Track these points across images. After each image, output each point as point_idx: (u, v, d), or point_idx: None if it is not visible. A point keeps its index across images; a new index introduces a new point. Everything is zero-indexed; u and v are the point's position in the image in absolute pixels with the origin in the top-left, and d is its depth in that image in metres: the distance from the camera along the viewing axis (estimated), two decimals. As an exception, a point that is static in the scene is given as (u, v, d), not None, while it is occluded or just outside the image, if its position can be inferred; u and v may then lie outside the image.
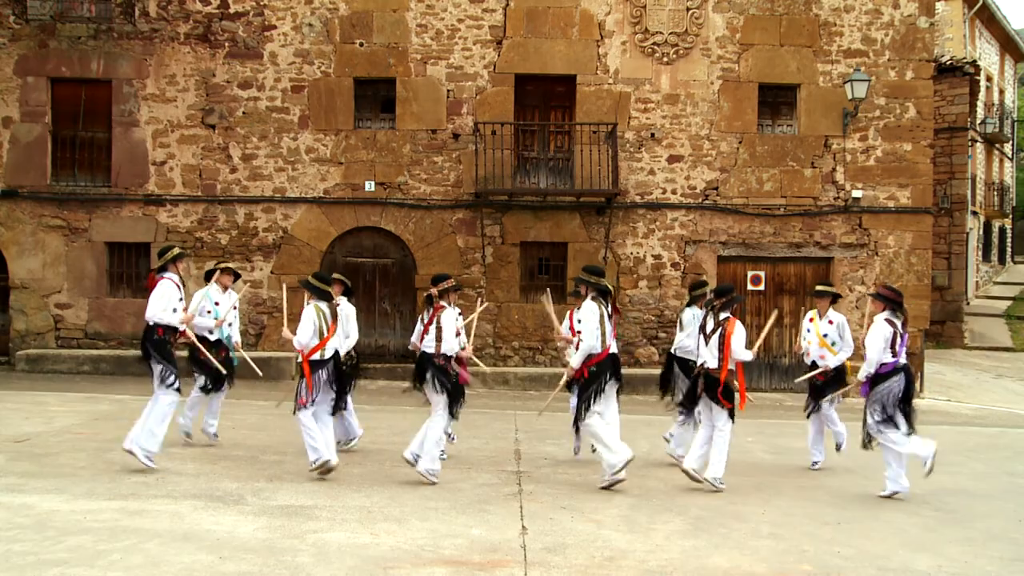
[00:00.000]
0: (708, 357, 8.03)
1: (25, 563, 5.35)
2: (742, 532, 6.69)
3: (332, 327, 7.94)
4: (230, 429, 9.97)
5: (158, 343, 8.11)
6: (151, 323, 8.16)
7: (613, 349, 8.13)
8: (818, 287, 9.82)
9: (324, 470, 7.83)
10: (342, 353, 8.66)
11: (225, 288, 9.55)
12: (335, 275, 9.27)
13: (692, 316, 9.25)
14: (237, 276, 9.95)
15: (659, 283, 15.96)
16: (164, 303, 8.19)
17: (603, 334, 7.92)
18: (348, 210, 15.87)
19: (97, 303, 15.83)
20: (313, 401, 7.87)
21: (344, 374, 8.40)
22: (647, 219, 15.96)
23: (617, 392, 8.30)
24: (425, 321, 8.14)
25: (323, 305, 7.99)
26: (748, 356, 8.04)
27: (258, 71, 15.82)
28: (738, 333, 8.01)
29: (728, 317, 8.06)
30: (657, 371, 15.23)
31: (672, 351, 9.62)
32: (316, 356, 7.87)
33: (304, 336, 7.78)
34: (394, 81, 15.84)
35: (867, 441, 8.16)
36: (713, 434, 8.05)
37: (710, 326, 8.08)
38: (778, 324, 16.14)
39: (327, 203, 15.83)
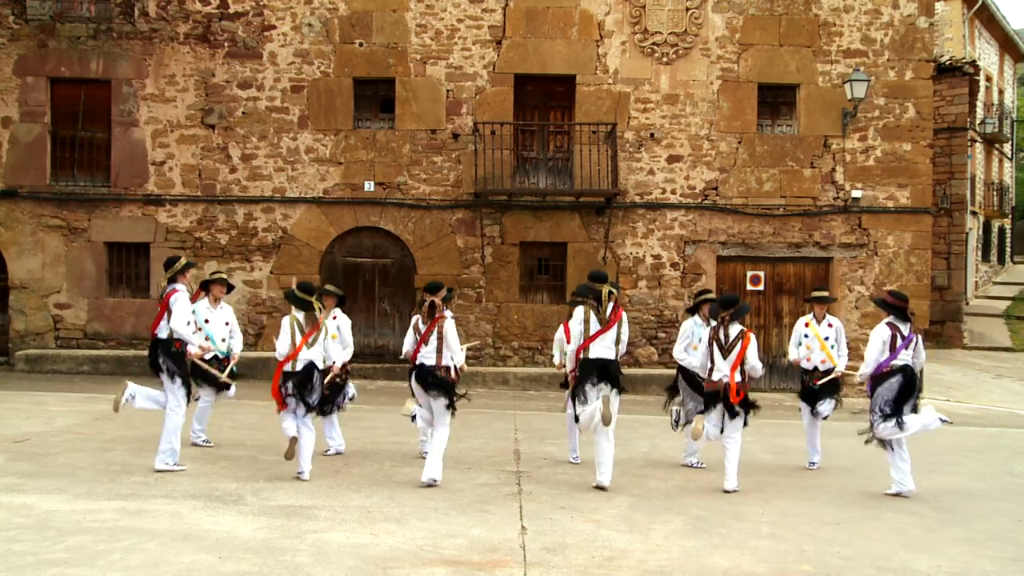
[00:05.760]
0: (727, 370, 8.00)
1: (25, 563, 5.35)
2: (742, 532, 6.69)
3: (304, 337, 7.86)
4: (230, 429, 9.97)
5: (176, 356, 7.99)
6: (173, 336, 7.94)
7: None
8: (816, 293, 9.84)
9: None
10: (338, 364, 8.74)
11: (216, 300, 9.22)
12: (327, 287, 9.23)
13: (693, 326, 9.02)
14: (231, 288, 9.60)
15: (659, 283, 15.96)
16: (187, 316, 8.01)
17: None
18: (348, 210, 15.87)
19: (97, 303, 15.82)
20: (286, 405, 7.86)
21: (329, 385, 8.54)
22: (646, 219, 15.96)
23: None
24: (423, 331, 7.90)
25: (300, 316, 7.93)
26: (760, 371, 8.17)
27: (258, 71, 15.81)
28: (752, 347, 8.05)
29: (743, 331, 8.08)
30: (656, 371, 15.43)
31: (679, 361, 9.15)
32: (288, 367, 7.84)
33: (281, 346, 7.89)
34: (394, 81, 15.84)
35: (871, 439, 8.17)
36: (727, 444, 8.09)
37: (727, 341, 8.03)
38: (777, 324, 16.17)
39: (327, 203, 15.83)
